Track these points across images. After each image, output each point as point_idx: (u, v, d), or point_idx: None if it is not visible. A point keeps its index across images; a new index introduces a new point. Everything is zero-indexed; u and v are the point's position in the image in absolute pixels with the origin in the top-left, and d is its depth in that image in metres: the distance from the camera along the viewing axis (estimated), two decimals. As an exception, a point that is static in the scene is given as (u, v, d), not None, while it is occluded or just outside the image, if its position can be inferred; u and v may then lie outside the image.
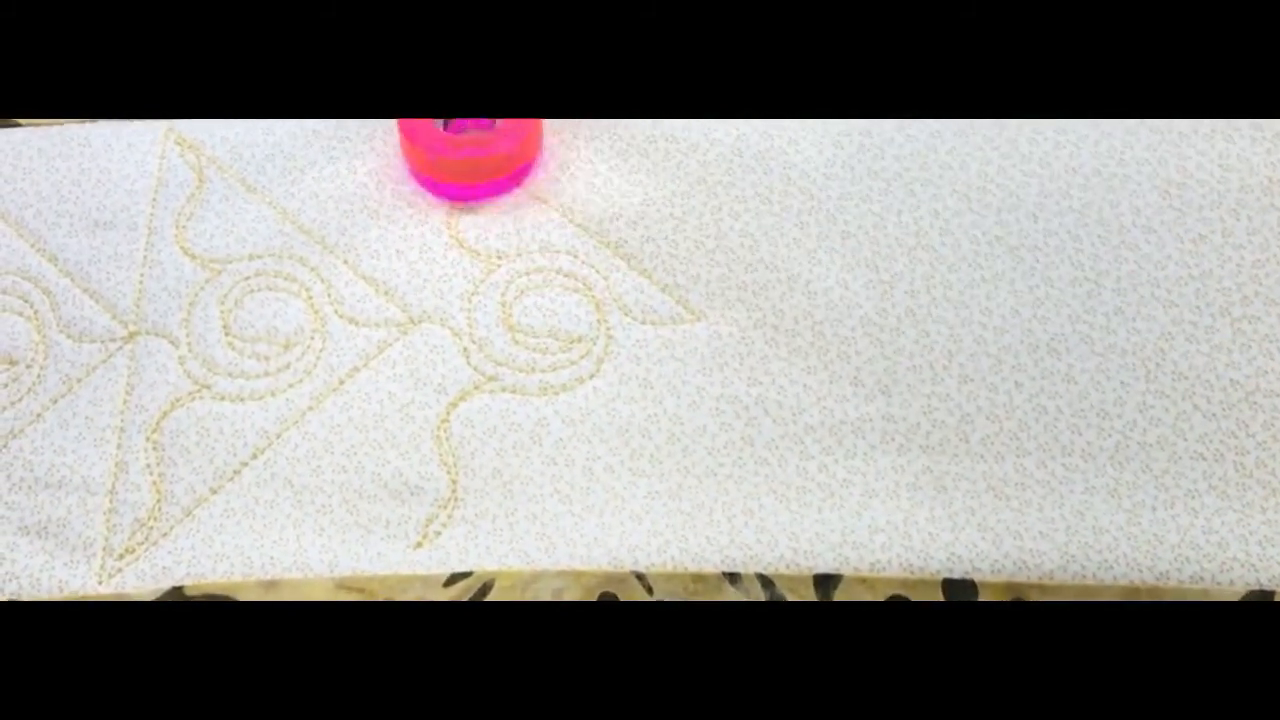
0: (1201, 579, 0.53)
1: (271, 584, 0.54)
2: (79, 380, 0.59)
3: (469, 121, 0.65)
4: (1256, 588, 0.53)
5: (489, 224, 0.63)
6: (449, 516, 0.55)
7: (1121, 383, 0.58)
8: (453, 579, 0.54)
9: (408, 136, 0.63)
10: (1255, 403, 0.57)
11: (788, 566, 0.53)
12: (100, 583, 0.54)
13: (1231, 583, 0.53)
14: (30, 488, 0.56)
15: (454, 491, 0.56)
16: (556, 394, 0.58)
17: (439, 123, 0.64)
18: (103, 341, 0.61)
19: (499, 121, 0.64)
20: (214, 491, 0.56)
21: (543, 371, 0.59)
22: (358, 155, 0.66)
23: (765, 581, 0.53)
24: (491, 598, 0.53)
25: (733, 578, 0.53)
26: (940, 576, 0.53)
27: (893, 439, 0.56)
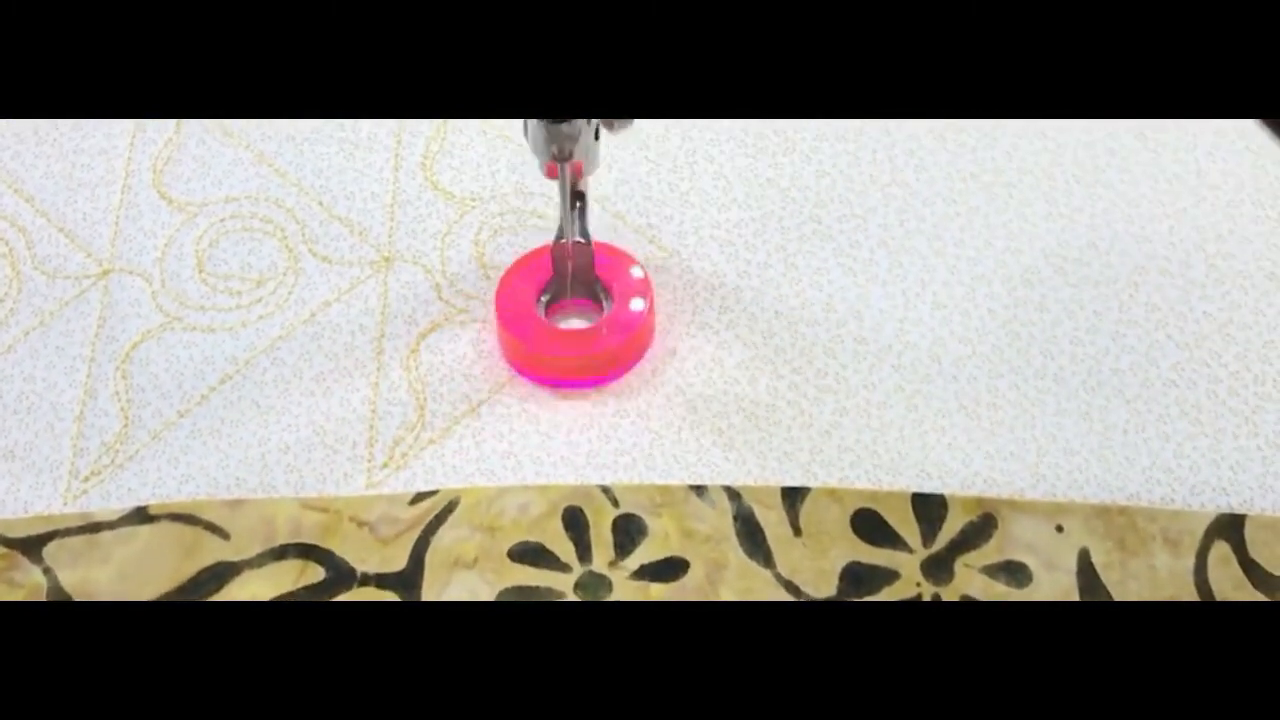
0: (1172, 500, 0.52)
1: (236, 503, 0.53)
2: (51, 314, 0.59)
3: (571, 301, 0.58)
4: (1227, 510, 0.52)
5: (464, 167, 0.64)
6: (415, 439, 0.55)
7: (1094, 312, 0.57)
8: (418, 498, 0.53)
9: (503, 323, 0.56)
10: (1229, 335, 0.57)
11: (755, 483, 0.52)
12: (65, 504, 0.53)
13: (1202, 505, 0.52)
14: (-3, 410, 0.56)
15: (421, 415, 0.55)
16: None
17: (540, 301, 0.57)
18: (76, 278, 0.60)
19: (608, 304, 0.57)
20: (181, 415, 0.56)
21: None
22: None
23: (732, 494, 0.52)
24: (457, 515, 0.53)
25: (699, 490, 0.52)
26: (910, 490, 0.52)
27: (864, 359, 0.56)
